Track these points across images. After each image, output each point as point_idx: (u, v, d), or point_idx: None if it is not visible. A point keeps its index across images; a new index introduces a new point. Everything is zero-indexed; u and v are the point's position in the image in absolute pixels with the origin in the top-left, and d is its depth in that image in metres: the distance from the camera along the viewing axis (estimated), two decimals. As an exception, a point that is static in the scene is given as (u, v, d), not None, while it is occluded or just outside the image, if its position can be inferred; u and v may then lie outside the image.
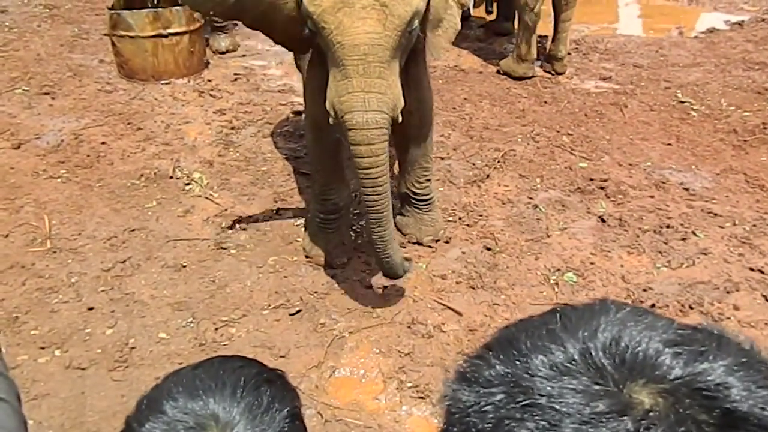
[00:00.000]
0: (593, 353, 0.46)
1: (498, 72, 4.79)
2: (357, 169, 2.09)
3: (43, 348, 2.26)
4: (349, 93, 1.97)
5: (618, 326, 0.48)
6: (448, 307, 2.49)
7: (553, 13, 4.65)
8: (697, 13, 6.69)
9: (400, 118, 2.11)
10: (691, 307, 2.46)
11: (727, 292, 2.54)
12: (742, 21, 6.17)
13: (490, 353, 0.50)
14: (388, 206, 2.17)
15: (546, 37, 4.94)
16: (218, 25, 5.23)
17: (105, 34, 4.78)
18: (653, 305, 2.47)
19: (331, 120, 2.09)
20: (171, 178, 3.36)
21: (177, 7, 4.46)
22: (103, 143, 3.69)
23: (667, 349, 0.45)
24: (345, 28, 1.89)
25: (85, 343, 2.28)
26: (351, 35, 1.89)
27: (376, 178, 2.08)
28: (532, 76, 4.65)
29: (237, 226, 2.97)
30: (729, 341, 0.48)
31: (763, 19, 6.23)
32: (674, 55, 5.21)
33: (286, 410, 0.66)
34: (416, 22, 2.01)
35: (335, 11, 1.88)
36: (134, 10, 4.43)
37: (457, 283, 2.64)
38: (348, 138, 2.04)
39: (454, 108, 4.24)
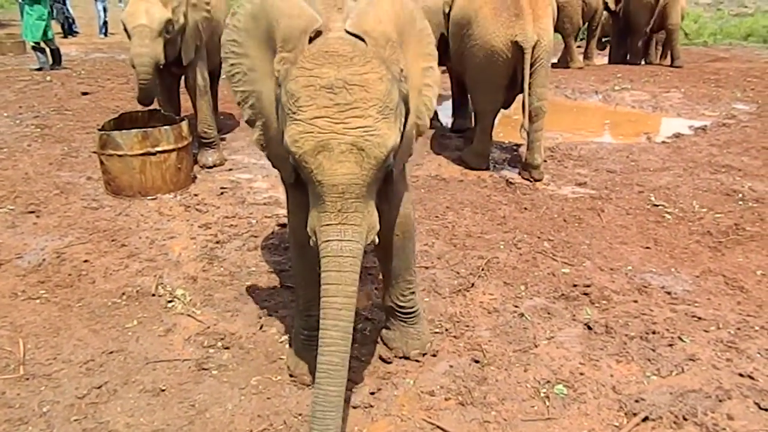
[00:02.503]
0: None
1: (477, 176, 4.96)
2: (322, 298, 2.09)
3: (7, 489, 2.11)
4: (327, 225, 2.08)
5: None
6: (438, 427, 2.40)
7: (527, 123, 4.91)
8: (662, 119, 7.09)
9: (377, 240, 2.20)
10: (685, 419, 2.40)
11: (720, 401, 2.49)
12: (705, 126, 6.54)
13: None
14: (345, 351, 2.07)
15: (521, 145, 5.16)
16: (207, 141, 5.41)
17: (94, 152, 4.91)
18: (647, 417, 2.41)
19: (311, 242, 2.16)
20: (153, 295, 3.32)
21: (166, 127, 4.63)
22: (85, 261, 3.67)
23: None
24: (324, 170, 2.01)
25: (54, 481, 2.14)
26: (330, 176, 2.01)
27: (340, 309, 2.05)
28: (486, 168, 5.25)
29: (219, 344, 2.90)
30: None
31: (725, 124, 6.61)
32: (644, 160, 5.45)
33: None
34: (391, 158, 2.14)
35: (315, 154, 2.00)
36: (124, 131, 4.59)
37: (446, 399, 2.56)
38: (321, 263, 2.11)
39: (437, 216, 4.32)
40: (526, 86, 4.65)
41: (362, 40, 2.03)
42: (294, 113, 2.01)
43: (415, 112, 2.42)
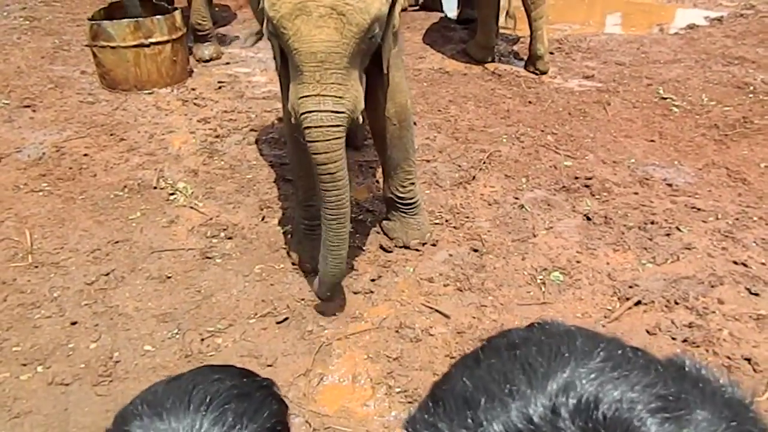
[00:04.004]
0: (563, 422, 0.38)
1: (484, 70, 4.82)
2: (315, 166, 2.11)
3: (25, 365, 2.23)
4: (306, 96, 2.01)
5: (593, 382, 0.40)
6: (436, 310, 2.49)
7: (526, 14, 4.71)
8: (677, 9, 6.75)
9: (361, 119, 2.16)
10: (676, 303, 2.47)
11: (712, 286, 2.56)
12: (722, 17, 6.23)
13: (442, 413, 0.42)
14: (346, 203, 2.18)
15: (526, 37, 4.96)
16: (201, 33, 5.21)
17: (86, 45, 4.75)
18: (639, 302, 2.48)
19: (293, 120, 2.11)
20: (155, 188, 3.33)
21: (158, 17, 4.44)
22: (85, 155, 3.66)
23: (650, 419, 0.38)
24: (302, 36, 1.91)
25: (68, 359, 2.26)
26: (308, 43, 1.91)
27: (335, 173, 2.11)
28: (492, 61, 5.05)
29: (222, 234, 2.95)
30: (714, 394, 0.42)
31: (742, 15, 6.29)
32: (655, 52, 5.25)
33: (253, 426, 0.65)
34: (376, 28, 2.03)
35: (293, 18, 1.90)
36: (115, 21, 4.40)
37: (444, 285, 2.63)
38: (305, 137, 2.07)
39: (440, 110, 4.24)
40: None
41: None
42: None
43: None
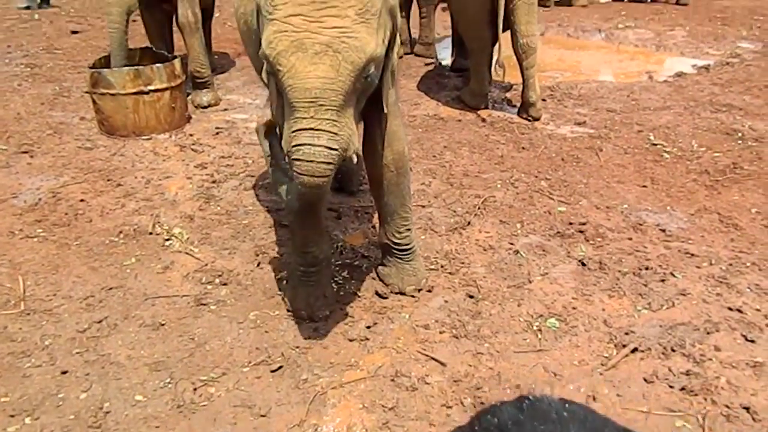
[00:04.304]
0: None
1: (478, 117, 4.90)
2: (298, 195, 2.16)
3: (13, 416, 2.18)
4: (299, 130, 1.99)
5: None
6: (432, 358, 2.46)
7: (518, 62, 4.84)
8: (665, 58, 6.94)
9: (355, 159, 2.13)
10: (673, 350, 2.45)
11: (708, 333, 2.55)
12: (708, 65, 6.41)
13: None
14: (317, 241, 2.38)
15: (521, 84, 5.07)
16: (200, 80, 5.31)
17: (86, 92, 4.82)
18: (636, 349, 2.46)
19: (286, 158, 2.10)
20: (151, 234, 3.34)
21: (158, 65, 4.53)
22: (81, 200, 3.67)
23: None
24: (297, 72, 1.93)
25: (58, 409, 2.21)
26: (303, 79, 1.93)
27: (314, 203, 2.23)
28: (485, 107, 5.19)
29: (217, 280, 2.94)
30: None
31: (728, 63, 6.48)
32: (645, 99, 5.37)
33: None
34: (372, 68, 2.06)
35: (289, 54, 1.93)
36: (115, 69, 4.49)
37: (440, 332, 2.61)
38: (294, 169, 2.04)
39: (434, 156, 4.30)
40: (500, 21, 4.59)
41: None
42: (270, 14, 1.95)
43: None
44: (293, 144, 2.01)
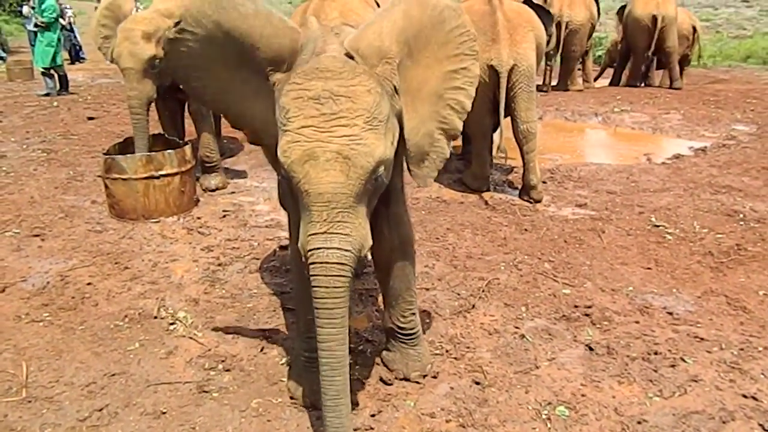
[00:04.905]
0: None
1: (480, 200, 4.99)
2: (314, 299, 2.10)
3: None
4: (314, 234, 2.07)
5: None
6: (439, 449, 2.39)
7: (518, 146, 5.00)
8: (662, 140, 7.13)
9: (369, 256, 2.18)
10: (688, 440, 2.38)
11: (723, 422, 2.48)
12: (705, 147, 6.57)
13: None
14: (344, 347, 2.11)
15: (518, 167, 5.20)
16: (209, 165, 5.47)
17: (98, 176, 4.96)
18: (649, 439, 2.39)
19: (303, 258, 2.15)
20: (155, 318, 3.34)
21: (170, 151, 4.69)
22: (89, 284, 3.70)
23: None
24: (311, 178, 2.03)
25: (53, 505, 2.14)
26: (316, 185, 2.03)
27: (332, 309, 2.07)
28: (487, 190, 5.30)
29: (220, 366, 2.91)
30: None
31: (725, 145, 6.64)
32: (644, 181, 5.48)
33: None
34: (381, 170, 2.15)
35: (302, 163, 2.03)
36: (128, 155, 4.64)
37: (446, 421, 2.55)
38: (309, 273, 2.09)
39: (438, 238, 4.34)
40: (501, 110, 4.79)
41: (352, 58, 2.11)
42: (284, 125, 2.06)
43: (435, 117, 2.45)
44: (308, 249, 2.08)
